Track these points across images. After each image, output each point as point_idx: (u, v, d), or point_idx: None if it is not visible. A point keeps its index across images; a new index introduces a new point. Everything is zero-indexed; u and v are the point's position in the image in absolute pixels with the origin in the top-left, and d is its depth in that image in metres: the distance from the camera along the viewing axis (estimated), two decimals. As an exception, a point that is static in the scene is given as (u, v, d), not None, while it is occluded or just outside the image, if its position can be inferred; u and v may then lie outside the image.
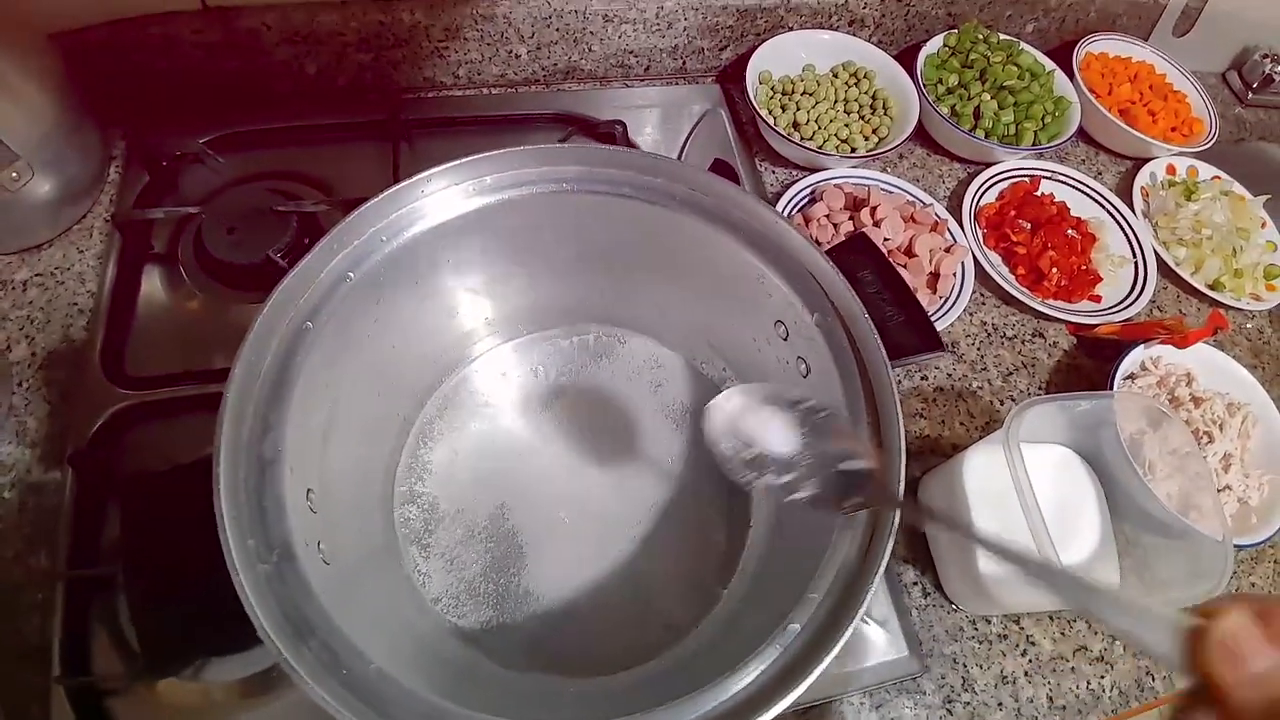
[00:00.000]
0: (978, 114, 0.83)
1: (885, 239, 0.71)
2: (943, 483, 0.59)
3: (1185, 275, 0.79)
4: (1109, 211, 0.82)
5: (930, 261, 0.72)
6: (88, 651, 0.50)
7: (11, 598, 0.51)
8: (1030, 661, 0.58)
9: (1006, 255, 0.78)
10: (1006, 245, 0.78)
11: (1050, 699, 0.56)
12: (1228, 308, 0.79)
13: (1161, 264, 0.79)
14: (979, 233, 0.78)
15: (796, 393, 0.44)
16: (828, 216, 0.73)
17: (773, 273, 0.49)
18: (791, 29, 0.84)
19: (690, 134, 0.81)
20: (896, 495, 0.41)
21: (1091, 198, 0.83)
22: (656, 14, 0.78)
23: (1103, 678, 0.58)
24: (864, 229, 0.71)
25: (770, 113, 0.80)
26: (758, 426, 0.44)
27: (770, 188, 0.79)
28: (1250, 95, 1.00)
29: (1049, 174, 0.83)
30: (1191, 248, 0.80)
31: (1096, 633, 0.59)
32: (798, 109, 0.80)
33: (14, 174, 0.59)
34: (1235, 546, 0.51)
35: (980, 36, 0.87)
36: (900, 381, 0.68)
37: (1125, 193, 0.85)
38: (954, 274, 0.72)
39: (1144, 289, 0.76)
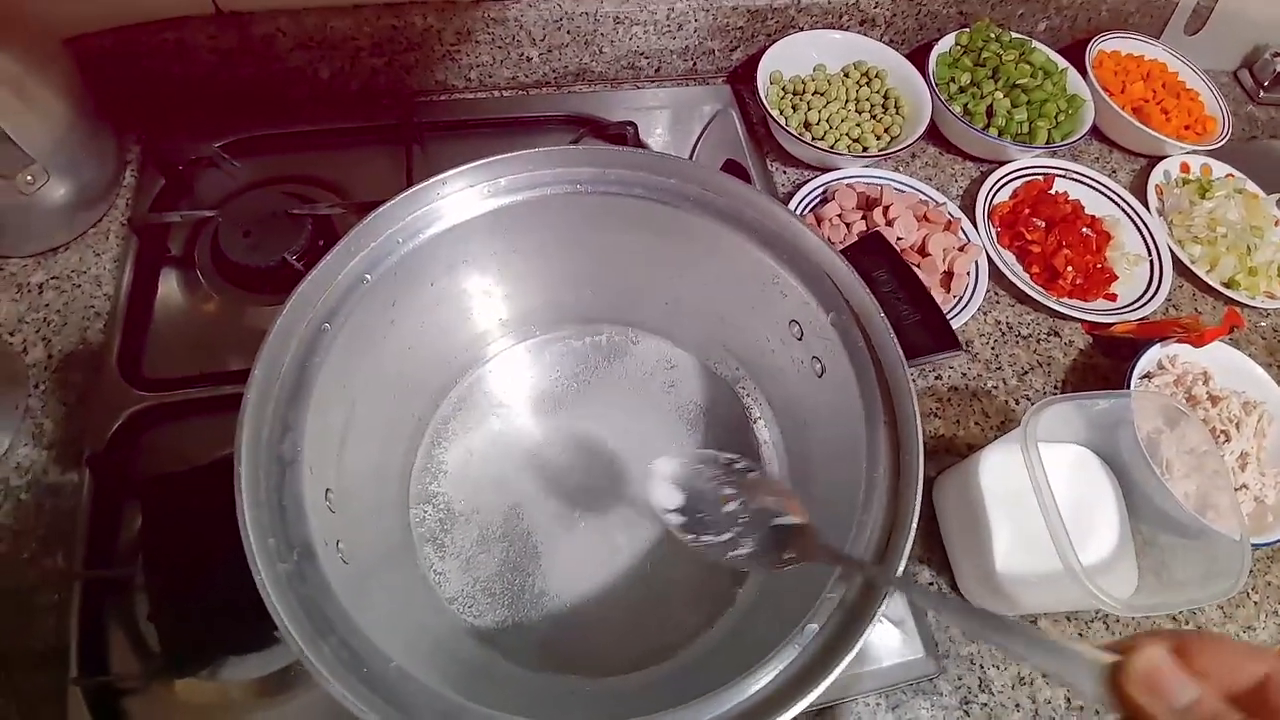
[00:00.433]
0: (990, 112, 0.83)
1: (898, 238, 0.71)
2: (958, 482, 0.58)
3: (1200, 273, 0.79)
4: (1123, 209, 0.81)
5: (944, 260, 0.72)
6: (105, 652, 0.50)
7: (27, 599, 0.51)
8: (1048, 662, 0.57)
9: (1021, 254, 0.77)
10: (1021, 244, 0.77)
11: (1068, 700, 0.56)
12: (1243, 306, 0.78)
13: (1177, 262, 0.78)
14: (993, 231, 0.78)
15: (726, 455, 0.46)
16: (840, 216, 0.73)
17: (787, 272, 0.49)
18: (802, 29, 0.83)
19: (701, 135, 0.81)
20: (829, 550, 0.41)
21: (1106, 196, 0.82)
22: (667, 16, 0.78)
23: (1121, 678, 0.57)
24: (877, 228, 0.71)
25: (781, 113, 0.80)
26: (691, 489, 0.45)
27: (782, 188, 0.79)
28: (1262, 93, 1.00)
29: (1063, 172, 0.83)
30: (1206, 245, 0.80)
31: (1116, 634, 0.59)
32: (809, 109, 0.80)
33: (29, 177, 0.59)
34: (1252, 545, 0.51)
35: (992, 35, 0.87)
36: (914, 381, 0.68)
37: (1140, 191, 0.84)
38: (968, 273, 0.72)
39: (1160, 287, 0.76)
